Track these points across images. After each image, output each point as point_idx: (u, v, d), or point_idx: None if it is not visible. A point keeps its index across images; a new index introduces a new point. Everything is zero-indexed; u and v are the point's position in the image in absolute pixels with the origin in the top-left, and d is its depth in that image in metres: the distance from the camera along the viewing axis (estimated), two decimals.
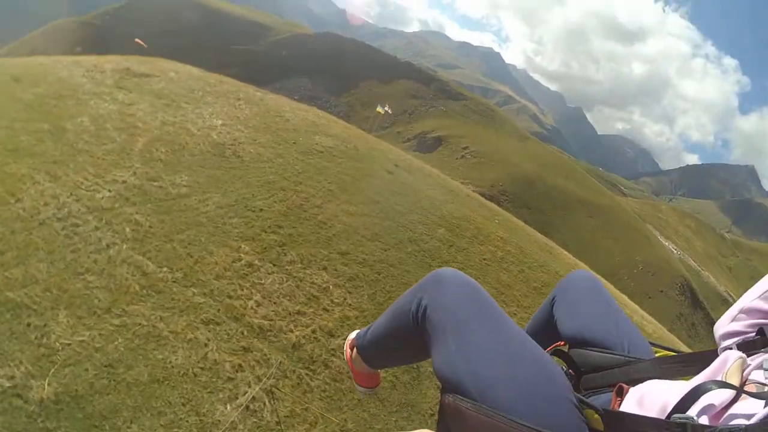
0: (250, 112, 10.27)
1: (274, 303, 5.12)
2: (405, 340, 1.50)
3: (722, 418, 0.83)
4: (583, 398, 1.12)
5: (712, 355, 1.12)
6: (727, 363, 0.97)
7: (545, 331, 1.72)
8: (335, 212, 7.07)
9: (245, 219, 6.18)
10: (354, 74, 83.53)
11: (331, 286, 5.58)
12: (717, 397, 0.85)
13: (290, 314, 5.08)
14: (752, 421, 0.75)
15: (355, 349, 1.89)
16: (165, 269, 5.01)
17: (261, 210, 6.46)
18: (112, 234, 5.23)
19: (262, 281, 5.32)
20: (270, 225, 6.21)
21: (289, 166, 8.11)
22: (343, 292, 5.61)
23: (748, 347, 1.04)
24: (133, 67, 11.12)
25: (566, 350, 1.52)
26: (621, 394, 1.13)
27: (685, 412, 0.85)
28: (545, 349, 1.36)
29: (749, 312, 1.15)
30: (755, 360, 0.98)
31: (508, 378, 1.08)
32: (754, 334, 1.09)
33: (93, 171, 6.18)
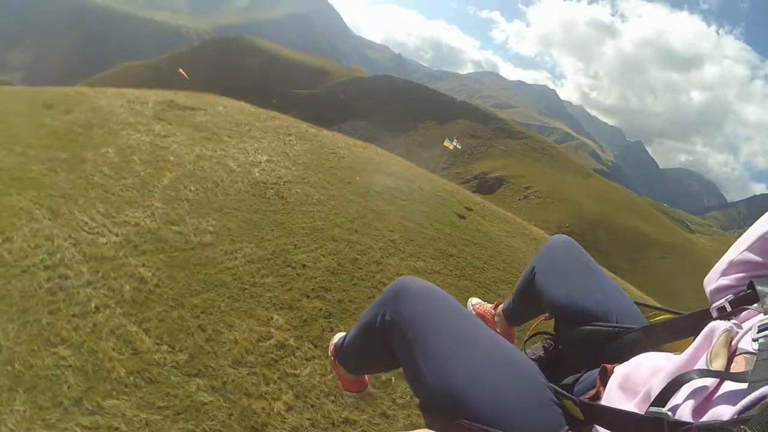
0: (301, 148, 9.09)
1: (312, 406, 3.56)
2: (377, 352, 1.44)
3: (706, 408, 0.77)
4: (560, 389, 1.07)
5: (703, 316, 1.09)
6: (714, 337, 0.90)
7: (527, 305, 1.77)
8: (398, 269, 5.59)
9: (282, 278, 4.74)
10: (411, 115, 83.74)
11: (393, 378, 3.95)
12: (699, 386, 0.80)
13: (334, 424, 3.50)
14: (732, 414, 0.70)
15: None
16: (165, 347, 3.58)
17: (304, 266, 5.02)
18: (106, 292, 3.94)
19: (297, 371, 3.78)
20: (314, 287, 4.75)
21: (343, 209, 6.71)
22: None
23: (739, 302, 1.01)
24: (178, 99, 10.29)
25: (551, 324, 1.51)
26: (605, 376, 1.08)
27: (665, 404, 0.81)
28: (529, 320, 1.87)
29: (738, 264, 1.13)
30: (746, 324, 0.92)
31: (478, 386, 1.04)
32: (745, 288, 1.05)
33: (103, 209, 5.10)
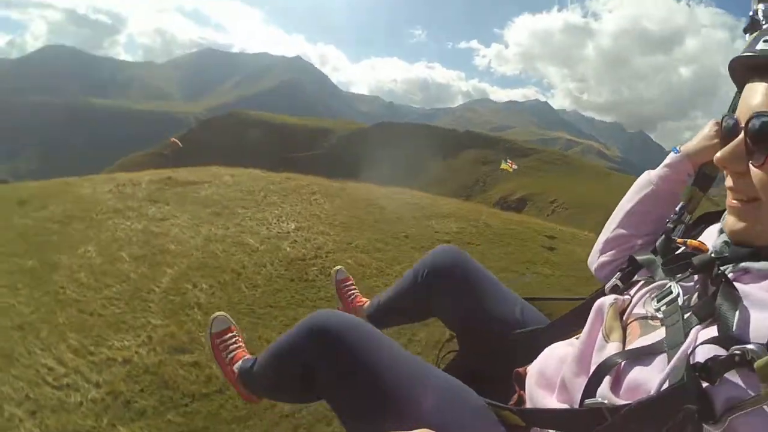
0: (331, 206, 7.35)
1: None
2: (294, 395, 1.38)
3: (635, 386, 0.75)
4: (494, 403, 1.04)
5: (600, 296, 1.03)
6: (603, 313, 0.93)
7: (401, 314, 1.77)
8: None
9: None
10: (418, 157, 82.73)
11: None
12: (622, 366, 0.79)
13: None
14: (659, 383, 0.70)
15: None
16: None
17: None
18: None
19: None
20: None
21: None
22: None
23: (627, 277, 1.04)
24: (177, 176, 8.70)
25: (457, 342, 1.52)
26: (520, 381, 1.10)
27: (595, 392, 0.79)
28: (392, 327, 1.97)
29: (612, 241, 1.25)
30: (635, 293, 0.96)
31: (431, 417, 0.98)
32: (623, 261, 1.12)
33: (77, 341, 3.45)
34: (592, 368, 0.83)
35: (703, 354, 0.66)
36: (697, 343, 0.69)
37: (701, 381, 0.63)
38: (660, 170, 1.24)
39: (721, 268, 0.77)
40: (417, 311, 1.72)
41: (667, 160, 1.23)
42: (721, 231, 0.89)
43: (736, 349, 0.61)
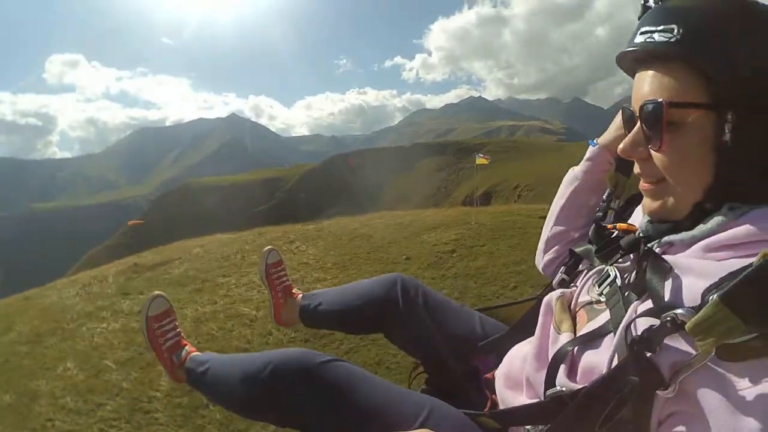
0: (317, 250, 6.97)
1: None
2: (268, 420, 1.39)
3: (588, 368, 0.79)
4: (470, 412, 1.06)
5: (550, 292, 1.09)
6: (552, 307, 0.98)
7: (337, 323, 1.72)
8: None
9: None
10: (377, 180, 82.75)
11: None
12: (573, 353, 0.84)
13: None
14: (608, 361, 0.74)
15: (180, 369, 1.61)
16: None
17: None
18: None
19: None
20: None
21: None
22: None
23: (571, 269, 1.12)
24: (143, 260, 8.09)
25: (423, 368, 1.49)
26: (491, 385, 1.13)
27: (555, 381, 0.83)
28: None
29: (552, 239, 1.32)
30: (580, 282, 1.01)
31: None
32: (566, 256, 1.20)
33: None
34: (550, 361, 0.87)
35: (640, 327, 0.69)
36: (634, 317, 0.72)
37: (644, 352, 0.65)
38: (582, 165, 1.29)
39: (648, 245, 0.83)
40: (360, 331, 1.78)
41: (587, 154, 1.28)
42: None
43: (667, 316, 0.64)
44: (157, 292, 1.72)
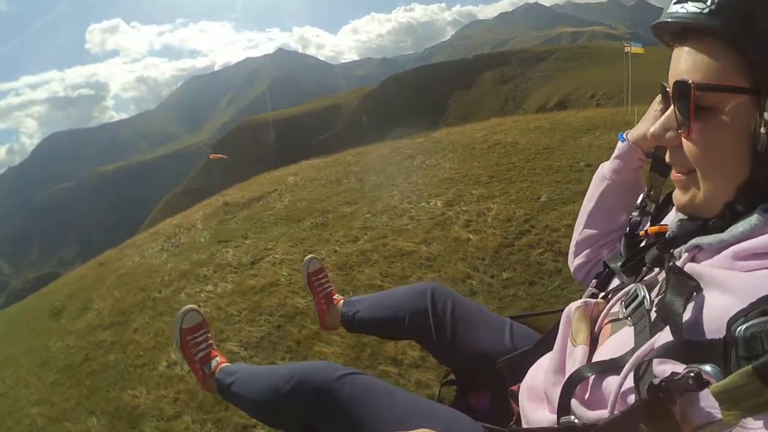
0: (454, 163, 5.67)
1: None
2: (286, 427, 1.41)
3: (602, 400, 0.74)
4: (491, 426, 1.04)
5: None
6: (570, 318, 0.92)
7: (380, 330, 1.75)
8: None
9: None
10: (438, 99, 79.15)
11: None
12: (591, 380, 0.76)
13: None
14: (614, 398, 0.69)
15: (211, 379, 1.61)
16: None
17: None
18: None
19: None
20: None
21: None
22: None
23: (603, 282, 1.02)
24: (231, 198, 6.74)
25: (453, 375, 1.49)
26: (515, 398, 1.09)
27: (569, 407, 0.77)
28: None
29: (582, 243, 1.22)
30: (612, 298, 0.91)
31: None
32: (596, 260, 1.17)
33: None
34: (567, 375, 0.81)
35: (661, 368, 0.63)
36: (653, 356, 0.65)
37: (661, 401, 0.60)
38: (611, 162, 1.16)
39: (675, 251, 0.77)
40: (395, 338, 2.09)
41: (616, 151, 1.15)
42: None
43: (691, 371, 0.57)
44: (189, 306, 1.69)
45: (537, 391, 0.96)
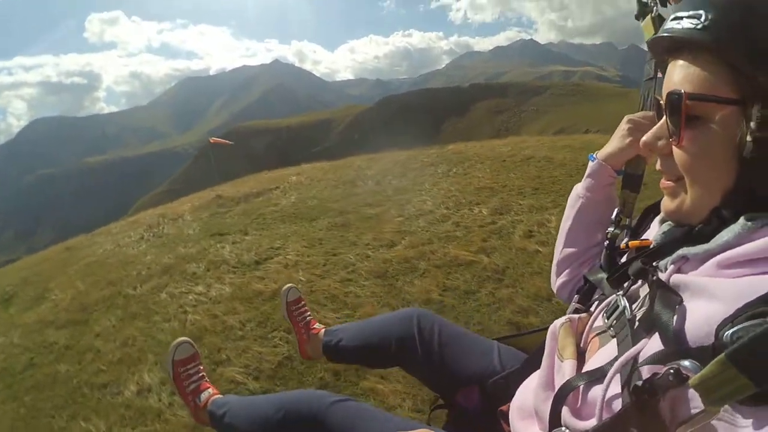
0: (486, 174, 5.10)
1: None
2: None
3: (590, 412, 0.73)
4: None
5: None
6: (556, 334, 0.91)
7: (365, 357, 1.65)
8: None
9: None
10: (431, 123, 79.14)
11: None
12: (580, 389, 0.76)
13: None
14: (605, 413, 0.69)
15: (203, 411, 1.54)
16: None
17: None
18: None
19: None
20: None
21: None
22: None
23: (585, 297, 1.02)
24: (225, 191, 5.98)
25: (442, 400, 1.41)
26: (505, 419, 1.05)
27: (560, 420, 0.76)
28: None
29: (563, 262, 1.20)
30: (595, 309, 0.91)
31: None
32: (579, 279, 1.14)
33: None
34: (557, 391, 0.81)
35: (645, 371, 0.65)
36: (638, 365, 0.66)
37: (646, 401, 0.61)
38: (584, 182, 1.17)
39: (660, 263, 0.76)
40: (380, 366, 1.86)
41: (588, 171, 1.16)
42: (662, 221, 0.84)
43: (671, 368, 0.59)
44: (181, 339, 1.64)
45: (527, 409, 0.94)
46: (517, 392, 1.03)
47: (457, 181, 4.79)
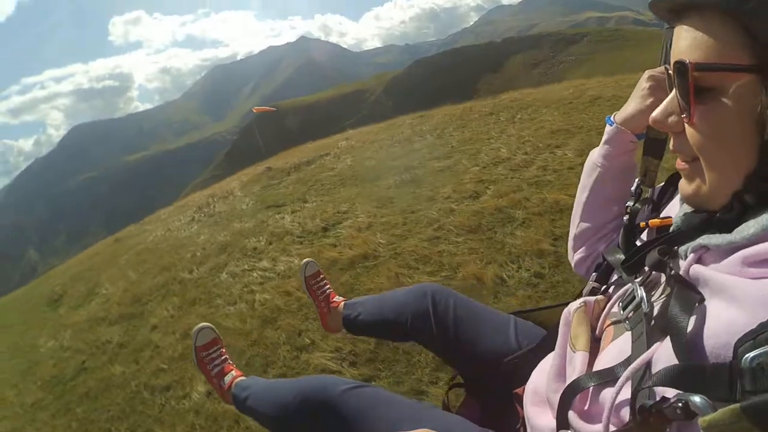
0: (539, 121, 4.56)
1: None
2: None
3: (597, 416, 0.71)
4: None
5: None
6: (569, 320, 0.87)
7: (384, 331, 1.67)
8: None
9: None
10: (466, 83, 77.23)
11: None
12: (590, 391, 0.73)
13: None
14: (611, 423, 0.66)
15: (228, 392, 1.59)
16: None
17: None
18: None
19: None
20: None
21: None
22: None
23: (603, 276, 1.00)
24: (275, 164, 5.67)
25: (461, 377, 1.42)
26: (520, 402, 1.04)
27: (567, 420, 0.75)
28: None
29: (580, 236, 1.16)
30: (613, 294, 0.88)
31: None
32: (596, 254, 1.10)
33: None
34: (568, 382, 0.79)
35: (657, 390, 0.61)
36: (653, 370, 0.63)
37: (653, 421, 0.59)
38: (601, 148, 1.09)
39: (680, 249, 0.71)
40: (397, 340, 1.96)
41: (605, 136, 1.06)
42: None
43: (680, 399, 0.55)
44: (202, 324, 1.70)
45: (540, 395, 0.92)
46: (532, 374, 0.99)
47: (527, 127, 4.35)
